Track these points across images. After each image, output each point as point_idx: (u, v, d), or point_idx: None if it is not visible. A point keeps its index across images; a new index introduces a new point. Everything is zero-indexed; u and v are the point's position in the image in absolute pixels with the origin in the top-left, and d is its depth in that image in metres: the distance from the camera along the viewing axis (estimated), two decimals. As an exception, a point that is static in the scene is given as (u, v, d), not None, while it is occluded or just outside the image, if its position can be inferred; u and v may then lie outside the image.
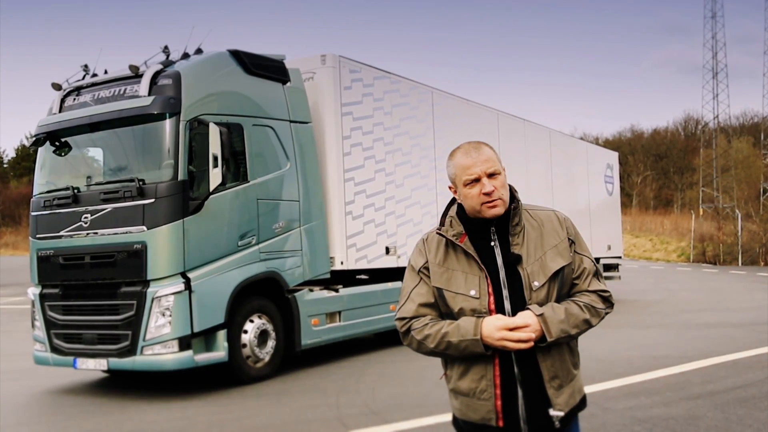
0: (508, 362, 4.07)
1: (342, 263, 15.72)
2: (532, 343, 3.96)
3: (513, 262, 4.12)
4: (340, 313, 15.75)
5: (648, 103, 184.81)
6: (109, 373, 14.45)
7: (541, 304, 4.07)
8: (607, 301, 4.24)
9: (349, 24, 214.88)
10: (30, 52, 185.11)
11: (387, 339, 17.82)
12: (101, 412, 11.80)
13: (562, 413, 4.07)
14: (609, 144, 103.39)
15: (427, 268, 4.28)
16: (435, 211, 18.67)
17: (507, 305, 4.08)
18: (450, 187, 4.34)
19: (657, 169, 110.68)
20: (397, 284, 17.28)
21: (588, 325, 4.13)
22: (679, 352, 15.68)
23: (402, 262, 17.40)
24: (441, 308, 4.24)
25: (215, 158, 12.65)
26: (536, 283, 4.09)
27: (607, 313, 4.25)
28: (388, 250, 17.01)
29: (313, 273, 15.13)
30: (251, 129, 13.84)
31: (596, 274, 4.29)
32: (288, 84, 14.97)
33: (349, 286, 16.23)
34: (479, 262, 4.13)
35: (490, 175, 4.12)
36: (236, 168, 13.45)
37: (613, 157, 33.86)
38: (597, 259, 29.67)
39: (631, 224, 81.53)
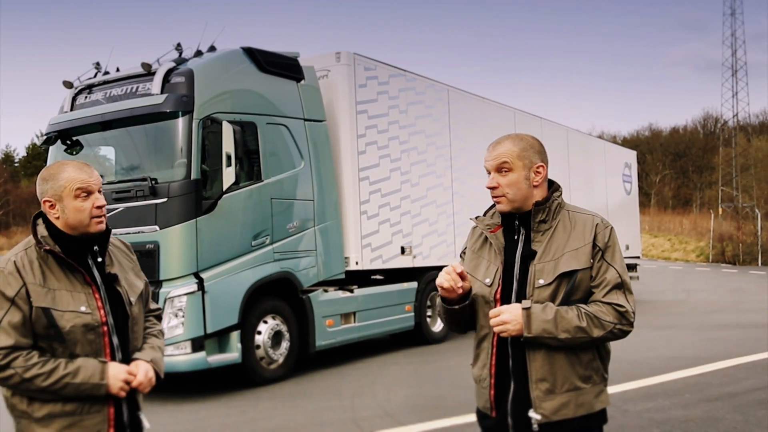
0: (504, 354, 4.15)
1: (357, 263, 15.60)
2: (506, 332, 4.01)
3: (526, 257, 4.15)
4: (354, 313, 15.64)
5: (666, 101, 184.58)
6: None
7: (541, 302, 4.06)
8: (623, 317, 4.08)
9: (363, 24, 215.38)
10: (41, 50, 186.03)
11: (402, 340, 17.76)
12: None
13: (539, 417, 4.03)
14: (627, 143, 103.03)
15: (465, 252, 4.53)
16: (451, 211, 18.59)
17: (513, 297, 4.14)
18: None
19: (676, 168, 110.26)
20: (412, 285, 17.23)
21: (584, 333, 4.01)
22: (697, 354, 15.61)
23: (417, 262, 17.32)
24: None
25: (228, 157, 12.56)
26: (541, 281, 4.09)
27: (621, 330, 4.09)
28: (403, 250, 16.87)
29: (328, 273, 15.02)
30: (265, 127, 13.73)
31: (619, 288, 4.12)
32: (302, 82, 14.84)
33: (364, 287, 16.11)
34: (500, 253, 4.22)
35: (499, 170, 4.21)
36: (250, 167, 13.33)
37: (631, 155, 33.66)
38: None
39: (649, 224, 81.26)
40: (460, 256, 4.56)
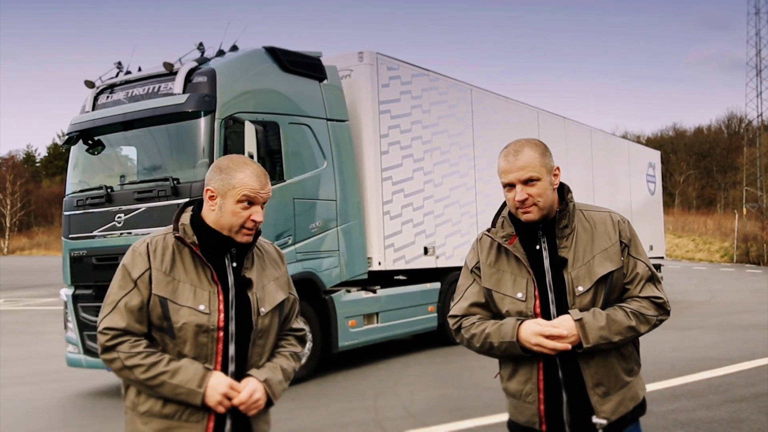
0: (553, 366, 4.03)
1: (380, 264, 15.55)
2: (569, 346, 3.90)
3: (558, 265, 4.05)
4: (377, 314, 15.58)
5: (690, 100, 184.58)
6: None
7: (585, 309, 3.97)
8: (661, 308, 4.09)
9: (385, 23, 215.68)
10: (63, 50, 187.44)
11: (425, 340, 17.72)
12: (135, 415, 11.66)
13: (605, 422, 3.98)
14: (651, 142, 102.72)
15: (479, 268, 4.30)
16: (474, 211, 18.51)
17: (552, 309, 4.03)
18: None
19: (700, 168, 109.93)
20: (435, 285, 17.17)
21: (634, 332, 4.00)
22: (722, 354, 15.53)
23: (440, 263, 17.26)
24: (492, 309, 4.22)
25: (251, 157, 12.47)
26: (580, 288, 4.01)
27: (660, 321, 4.10)
28: (426, 251, 16.81)
29: (351, 273, 14.99)
30: (287, 127, 13.68)
31: (651, 280, 4.13)
32: (325, 81, 14.81)
33: (386, 287, 16.04)
34: (527, 265, 4.07)
35: (526, 182, 4.02)
36: (272, 167, 13.28)
37: (655, 155, 33.52)
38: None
39: (673, 224, 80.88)
40: (472, 272, 4.34)
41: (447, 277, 17.62)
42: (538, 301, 4.04)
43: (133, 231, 12.64)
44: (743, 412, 10.28)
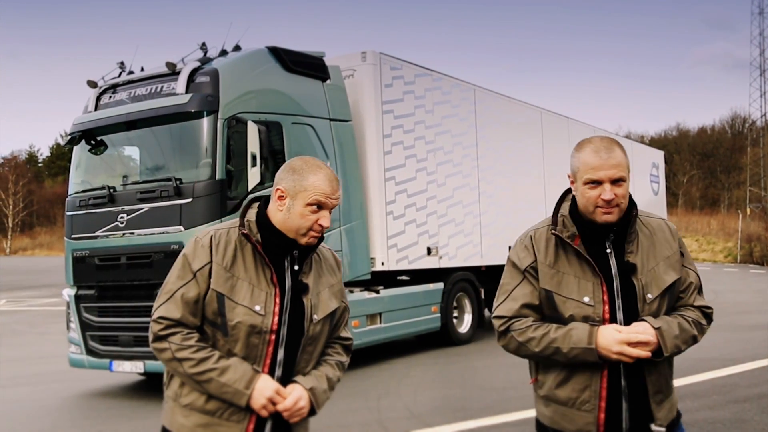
0: (616, 374, 3.92)
1: (383, 264, 15.53)
2: (649, 354, 3.81)
3: (628, 271, 3.94)
4: (380, 314, 15.59)
5: (693, 100, 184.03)
6: (145, 376, 14.25)
7: (653, 317, 3.91)
8: (709, 317, 4.12)
9: (388, 23, 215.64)
10: (66, 50, 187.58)
11: (428, 341, 17.70)
12: (137, 416, 11.67)
13: (663, 429, 3.95)
14: (654, 142, 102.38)
15: (535, 269, 4.06)
16: (477, 211, 18.51)
17: (620, 315, 3.91)
18: (569, 176, 4.10)
19: (703, 168, 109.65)
20: (438, 285, 17.15)
21: (695, 341, 4.02)
22: (725, 355, 15.51)
23: (444, 263, 17.24)
24: (545, 311, 4.05)
25: (254, 157, 12.50)
26: (650, 296, 3.93)
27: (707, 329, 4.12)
28: (429, 251, 16.79)
29: (354, 274, 14.94)
30: (290, 127, 13.66)
31: (700, 290, 4.15)
32: (328, 81, 14.80)
33: (390, 287, 16.06)
34: (596, 267, 3.93)
35: (615, 182, 3.91)
36: (275, 167, 13.16)
37: (658, 155, 33.53)
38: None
39: (677, 224, 80.00)
40: (526, 271, 4.07)
41: (450, 277, 17.63)
42: (607, 306, 3.91)
43: (136, 231, 12.65)
44: (746, 412, 10.28)
